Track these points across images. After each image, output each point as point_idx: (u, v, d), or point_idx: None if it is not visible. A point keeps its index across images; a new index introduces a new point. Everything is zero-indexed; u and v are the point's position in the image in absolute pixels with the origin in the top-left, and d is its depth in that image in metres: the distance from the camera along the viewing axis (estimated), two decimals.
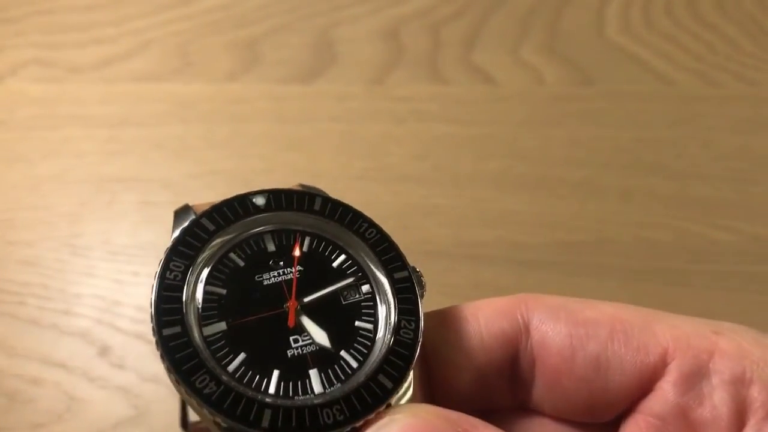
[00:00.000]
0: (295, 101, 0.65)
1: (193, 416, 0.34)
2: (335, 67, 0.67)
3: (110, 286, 0.55)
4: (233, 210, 0.29)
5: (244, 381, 0.25)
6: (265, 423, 0.24)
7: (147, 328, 0.53)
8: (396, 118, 0.64)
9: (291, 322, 0.27)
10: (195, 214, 0.28)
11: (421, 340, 0.27)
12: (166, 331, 0.25)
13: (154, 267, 0.55)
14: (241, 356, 0.26)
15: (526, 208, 0.60)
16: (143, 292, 0.55)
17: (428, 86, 0.66)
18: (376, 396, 0.25)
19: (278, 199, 0.29)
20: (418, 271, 0.29)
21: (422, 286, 0.29)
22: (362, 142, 0.63)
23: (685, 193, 0.61)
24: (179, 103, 0.64)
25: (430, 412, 0.24)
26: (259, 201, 0.29)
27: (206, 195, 0.61)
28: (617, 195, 0.61)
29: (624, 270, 0.57)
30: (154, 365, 0.52)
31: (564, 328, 0.28)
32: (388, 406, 0.25)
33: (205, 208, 0.29)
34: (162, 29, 0.69)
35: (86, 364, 0.52)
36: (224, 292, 0.27)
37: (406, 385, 0.26)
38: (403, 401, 0.26)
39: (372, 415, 0.25)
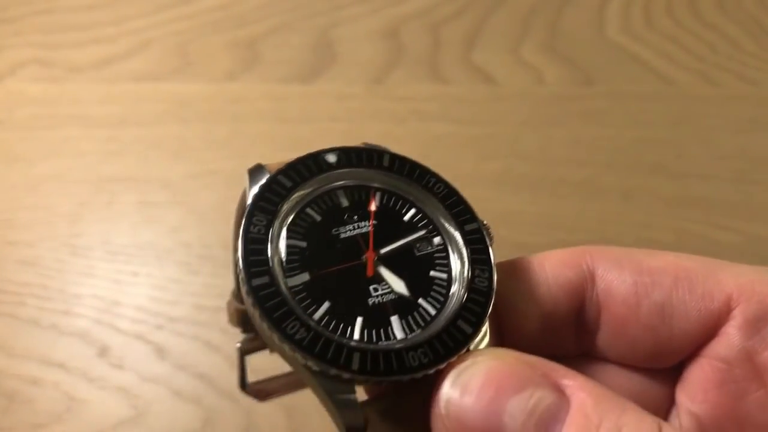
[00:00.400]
0: (295, 101, 0.65)
1: (251, 377, 0.36)
2: (335, 66, 0.67)
3: (109, 286, 0.55)
4: (308, 167, 0.29)
5: (330, 328, 0.26)
6: (355, 365, 0.25)
7: (146, 328, 0.53)
8: (396, 117, 0.64)
9: (370, 272, 0.28)
10: (269, 172, 0.29)
11: (495, 287, 0.28)
12: (256, 281, 0.26)
13: (153, 267, 0.56)
14: (326, 305, 0.27)
15: (526, 209, 0.59)
16: (142, 292, 0.55)
17: (428, 86, 0.66)
18: (457, 340, 0.26)
19: (349, 156, 0.30)
20: (486, 224, 0.30)
21: (491, 238, 0.30)
22: (362, 142, 0.62)
23: (687, 194, 0.61)
24: (179, 103, 0.64)
25: (510, 355, 0.25)
26: (331, 158, 0.30)
27: (206, 195, 0.61)
28: (618, 195, 0.61)
29: None
30: (154, 365, 0.52)
31: (629, 276, 0.28)
32: (468, 350, 0.26)
33: (278, 166, 0.30)
34: (162, 29, 0.69)
35: (86, 365, 0.52)
36: (305, 244, 0.28)
37: (483, 330, 0.27)
38: (482, 347, 0.27)
39: (454, 358, 0.25)
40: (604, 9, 0.72)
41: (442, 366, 0.25)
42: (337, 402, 0.25)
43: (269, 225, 0.28)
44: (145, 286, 0.55)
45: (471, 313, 0.27)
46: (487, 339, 0.27)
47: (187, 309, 0.54)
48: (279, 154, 0.67)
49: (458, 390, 0.24)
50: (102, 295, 0.55)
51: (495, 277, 0.28)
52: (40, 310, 0.54)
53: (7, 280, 0.55)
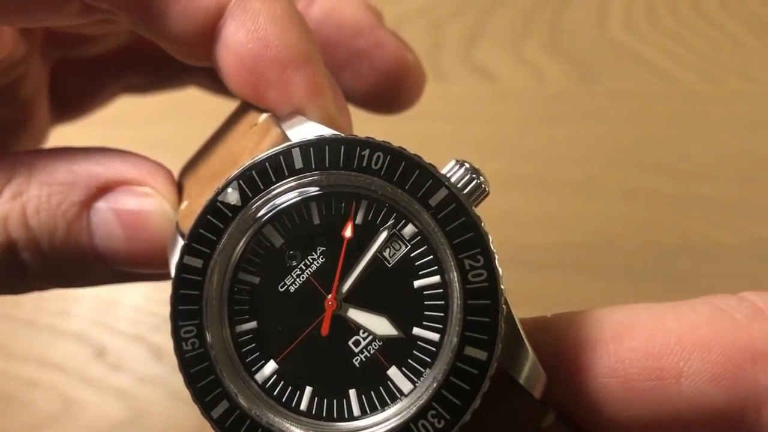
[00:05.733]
0: None
1: None
2: None
3: (107, 286, 0.55)
4: (213, 221, 0.23)
5: (323, 415, 0.22)
6: None
7: (144, 328, 0.53)
8: (396, 116, 0.64)
9: (325, 330, 0.23)
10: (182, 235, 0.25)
11: (500, 277, 0.21)
12: (216, 413, 0.22)
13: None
14: (308, 391, 0.23)
15: (527, 208, 0.59)
16: (140, 292, 0.55)
17: (429, 84, 0.66)
18: (471, 378, 0.21)
19: (251, 186, 0.23)
20: (464, 174, 0.23)
21: (480, 193, 0.22)
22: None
23: (689, 193, 0.60)
24: (176, 102, 0.63)
25: None
26: (232, 199, 0.23)
27: None
28: (620, 195, 0.60)
29: (628, 271, 0.56)
30: (152, 366, 0.51)
31: None
32: (490, 380, 0.21)
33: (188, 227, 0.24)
34: None
35: (83, 366, 0.51)
36: (255, 324, 0.23)
37: (497, 349, 0.21)
38: (524, 373, 0.22)
39: (477, 402, 0.21)
40: (605, 7, 0.71)
41: (467, 419, 0.21)
42: None
43: (201, 328, 0.23)
44: (143, 286, 0.55)
45: (479, 330, 0.21)
46: (530, 358, 0.22)
47: None
48: None
49: None
50: (99, 294, 0.54)
51: (496, 265, 0.21)
52: (37, 311, 0.53)
53: None
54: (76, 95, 0.38)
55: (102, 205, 0.26)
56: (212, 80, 0.38)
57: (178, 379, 0.55)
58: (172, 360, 0.54)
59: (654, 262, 0.57)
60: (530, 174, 0.61)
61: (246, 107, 0.28)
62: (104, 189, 0.26)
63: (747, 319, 0.22)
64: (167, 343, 0.55)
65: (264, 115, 0.26)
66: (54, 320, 0.53)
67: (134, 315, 0.54)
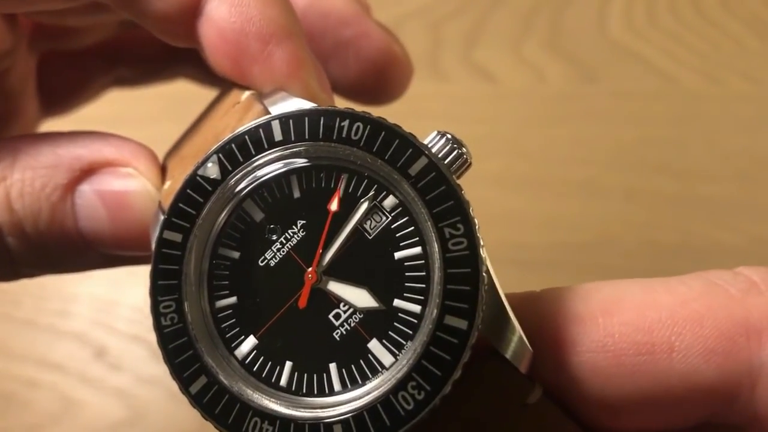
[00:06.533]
0: None
1: None
2: None
3: (107, 286, 0.55)
4: (194, 195, 0.23)
5: (303, 391, 0.22)
6: None
7: (144, 328, 0.53)
8: (396, 116, 0.63)
9: (303, 302, 0.22)
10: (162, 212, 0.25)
11: (481, 245, 0.21)
12: (194, 388, 0.22)
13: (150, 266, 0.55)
14: (288, 366, 0.23)
15: (527, 208, 0.59)
16: (140, 292, 0.54)
17: (429, 84, 0.66)
18: (451, 347, 0.21)
19: (231, 160, 0.23)
20: (446, 143, 0.23)
21: (463, 165, 0.22)
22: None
23: (690, 193, 0.60)
24: (176, 101, 0.63)
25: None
26: (212, 173, 0.23)
27: None
28: (621, 195, 0.60)
29: (628, 271, 0.56)
30: (151, 366, 0.51)
31: None
32: (471, 349, 0.21)
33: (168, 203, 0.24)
34: None
35: (83, 366, 0.51)
36: (235, 300, 0.23)
37: (480, 317, 0.21)
38: (515, 338, 0.22)
39: (458, 373, 0.21)
40: (606, 7, 0.71)
41: (447, 390, 0.21)
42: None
43: (180, 303, 0.23)
44: (143, 286, 0.54)
45: (459, 298, 0.21)
46: (517, 332, 0.22)
47: None
48: None
49: None
50: (99, 294, 0.54)
51: (476, 232, 0.21)
52: (37, 311, 0.53)
53: None
54: (64, 89, 0.38)
55: (85, 188, 0.26)
56: (200, 71, 0.38)
57: None
58: None
59: (654, 262, 0.57)
60: (530, 174, 0.61)
61: (229, 88, 0.28)
62: (88, 171, 0.26)
63: (741, 293, 0.21)
64: None
65: (246, 93, 0.26)
66: (54, 320, 0.53)
67: (134, 315, 0.54)
